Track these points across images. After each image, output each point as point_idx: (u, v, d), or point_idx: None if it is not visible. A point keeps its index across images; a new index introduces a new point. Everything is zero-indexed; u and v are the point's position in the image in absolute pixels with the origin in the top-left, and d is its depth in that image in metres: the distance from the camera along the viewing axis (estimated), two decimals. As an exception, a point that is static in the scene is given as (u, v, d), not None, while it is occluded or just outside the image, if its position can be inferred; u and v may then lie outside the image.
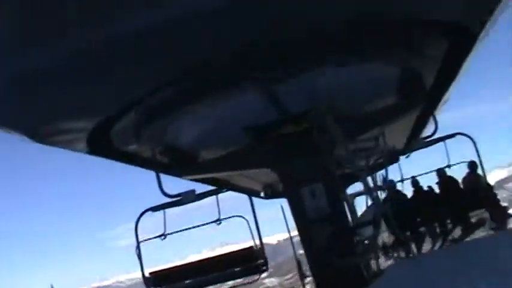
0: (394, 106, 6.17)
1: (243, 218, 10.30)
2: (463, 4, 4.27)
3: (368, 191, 6.18)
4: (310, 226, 5.72)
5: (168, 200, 8.68)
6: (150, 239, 9.93)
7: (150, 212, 9.63)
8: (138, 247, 9.48)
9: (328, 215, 5.59)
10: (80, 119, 4.63)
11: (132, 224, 9.61)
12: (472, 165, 10.66)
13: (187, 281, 9.57)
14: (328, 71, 5.05)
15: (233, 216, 10.57)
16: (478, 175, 10.59)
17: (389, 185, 10.33)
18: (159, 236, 9.82)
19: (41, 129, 4.56)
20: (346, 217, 5.85)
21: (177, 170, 6.84)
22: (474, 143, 10.19)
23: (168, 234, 9.91)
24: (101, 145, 5.26)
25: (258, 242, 10.15)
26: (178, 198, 8.82)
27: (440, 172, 10.90)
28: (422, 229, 10.25)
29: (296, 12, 3.80)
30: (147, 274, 9.55)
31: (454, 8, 4.30)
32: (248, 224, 10.21)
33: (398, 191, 10.97)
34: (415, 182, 10.89)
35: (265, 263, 10.06)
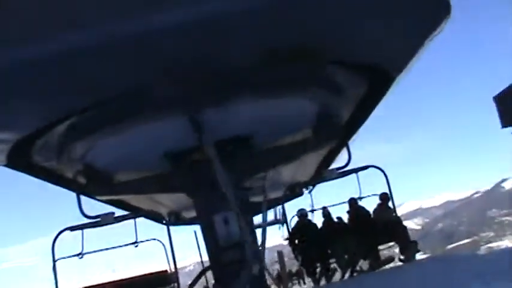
0: (309, 140, 6.44)
1: (160, 241, 10.58)
2: (385, 49, 4.67)
3: (263, 224, 6.40)
4: (218, 253, 5.81)
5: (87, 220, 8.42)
6: (66, 257, 9.82)
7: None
8: (54, 266, 9.43)
9: (234, 244, 5.73)
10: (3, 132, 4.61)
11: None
12: (383, 197, 10.86)
13: None
14: (248, 102, 5.20)
15: (150, 240, 10.98)
16: (389, 207, 10.88)
17: (300, 213, 10.68)
18: (76, 255, 9.76)
19: None
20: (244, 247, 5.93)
21: (93, 191, 6.72)
22: (385, 175, 10.58)
23: (86, 253, 9.92)
24: (21, 160, 5.24)
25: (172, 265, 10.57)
26: (98, 219, 8.77)
27: (351, 202, 11.05)
28: (331, 260, 10.41)
29: (217, 45, 3.98)
30: None
31: (376, 51, 4.69)
32: (164, 247, 10.76)
33: (310, 221, 11.17)
34: (325, 212, 11.07)
35: (178, 287, 10.53)
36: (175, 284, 10.48)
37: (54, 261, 9.42)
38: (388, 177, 10.67)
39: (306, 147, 6.47)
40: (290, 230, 11.31)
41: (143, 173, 6.40)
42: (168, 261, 10.64)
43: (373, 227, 10.48)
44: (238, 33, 3.92)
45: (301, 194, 10.05)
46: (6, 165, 5.32)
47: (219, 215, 5.85)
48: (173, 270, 10.53)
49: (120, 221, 9.61)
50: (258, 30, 3.93)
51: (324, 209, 11.19)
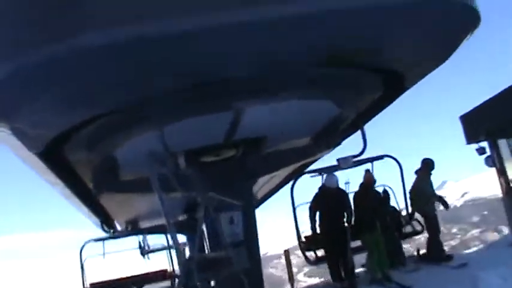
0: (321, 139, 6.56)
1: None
2: (405, 58, 4.86)
3: None
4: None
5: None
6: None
7: None
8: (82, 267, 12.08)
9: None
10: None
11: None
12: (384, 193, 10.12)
13: None
14: (269, 104, 5.31)
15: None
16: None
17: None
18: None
19: None
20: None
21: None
22: (400, 166, 10.35)
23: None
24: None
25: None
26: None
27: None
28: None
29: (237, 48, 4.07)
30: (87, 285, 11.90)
31: (398, 59, 4.88)
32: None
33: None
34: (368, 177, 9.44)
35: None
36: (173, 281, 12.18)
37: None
38: (403, 168, 10.43)
39: (317, 148, 6.57)
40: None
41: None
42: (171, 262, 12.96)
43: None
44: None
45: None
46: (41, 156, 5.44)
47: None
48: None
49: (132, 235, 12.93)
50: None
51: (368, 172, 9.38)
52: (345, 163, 7.33)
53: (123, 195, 7.60)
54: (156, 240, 13.96)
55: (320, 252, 9.65)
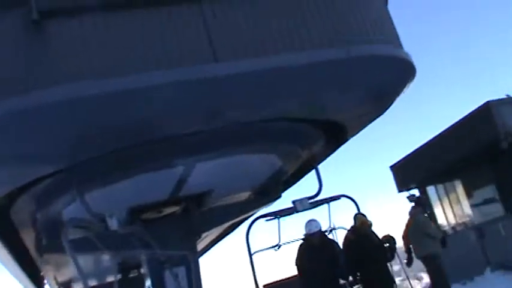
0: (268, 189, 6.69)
1: None
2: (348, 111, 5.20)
3: None
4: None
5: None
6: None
7: None
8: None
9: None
10: None
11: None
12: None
13: None
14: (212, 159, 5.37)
15: None
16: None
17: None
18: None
19: None
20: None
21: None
22: (357, 205, 9.84)
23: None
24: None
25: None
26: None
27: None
28: None
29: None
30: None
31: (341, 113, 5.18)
32: None
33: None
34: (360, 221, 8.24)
35: None
36: None
37: (251, 254, 7.87)
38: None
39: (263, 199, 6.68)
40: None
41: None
42: None
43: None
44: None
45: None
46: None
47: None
48: None
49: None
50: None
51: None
52: (301, 205, 6.89)
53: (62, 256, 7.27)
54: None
55: None
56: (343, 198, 8.40)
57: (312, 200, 6.68)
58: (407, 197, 11.12)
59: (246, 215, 7.33)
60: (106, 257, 7.86)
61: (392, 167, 16.60)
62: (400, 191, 16.33)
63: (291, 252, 7.74)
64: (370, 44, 4.66)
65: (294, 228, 8.46)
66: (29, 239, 6.48)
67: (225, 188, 6.23)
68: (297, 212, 6.60)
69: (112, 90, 3.73)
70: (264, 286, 9.05)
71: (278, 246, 8.10)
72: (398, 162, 16.29)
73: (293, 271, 8.13)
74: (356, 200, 8.73)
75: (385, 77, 4.98)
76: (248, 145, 5.25)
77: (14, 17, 3.74)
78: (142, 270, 10.40)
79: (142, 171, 4.96)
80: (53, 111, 3.66)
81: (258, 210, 7.19)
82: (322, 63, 4.36)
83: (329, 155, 6.62)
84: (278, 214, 7.19)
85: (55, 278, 10.07)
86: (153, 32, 3.94)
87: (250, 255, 8.05)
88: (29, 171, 4.54)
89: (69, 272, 9.59)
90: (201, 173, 5.41)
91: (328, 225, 8.22)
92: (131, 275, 10.74)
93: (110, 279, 10.64)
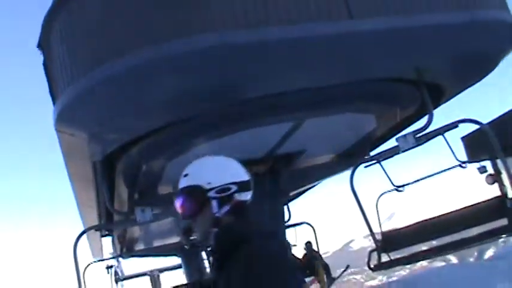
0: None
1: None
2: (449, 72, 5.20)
3: None
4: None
5: None
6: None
7: None
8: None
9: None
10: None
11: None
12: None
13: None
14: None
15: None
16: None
17: None
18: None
19: None
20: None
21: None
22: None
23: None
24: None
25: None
26: None
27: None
28: None
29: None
30: None
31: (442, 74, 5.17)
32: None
33: None
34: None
35: None
36: None
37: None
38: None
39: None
40: None
41: None
42: None
43: None
44: None
45: None
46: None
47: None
48: None
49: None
50: None
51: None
52: (406, 143, 5.88)
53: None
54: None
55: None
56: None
57: (420, 134, 5.59)
58: (478, 168, 10.91)
59: (333, 176, 7.34)
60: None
61: (463, 138, 16.03)
62: (470, 162, 15.78)
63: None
64: (486, 10, 4.75)
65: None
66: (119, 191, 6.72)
67: (317, 148, 6.30)
68: (402, 151, 5.75)
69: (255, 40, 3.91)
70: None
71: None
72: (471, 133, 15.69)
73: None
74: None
75: (492, 42, 5.03)
76: (350, 104, 5.30)
77: None
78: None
79: (249, 126, 5.10)
80: (188, 60, 3.84)
81: (344, 171, 7.19)
82: (440, 26, 4.46)
83: (422, 117, 6.46)
84: (379, 158, 6.87)
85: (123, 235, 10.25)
86: None
87: (358, 200, 7.64)
88: (143, 124, 4.78)
89: (137, 231, 9.84)
90: (298, 132, 5.52)
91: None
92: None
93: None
